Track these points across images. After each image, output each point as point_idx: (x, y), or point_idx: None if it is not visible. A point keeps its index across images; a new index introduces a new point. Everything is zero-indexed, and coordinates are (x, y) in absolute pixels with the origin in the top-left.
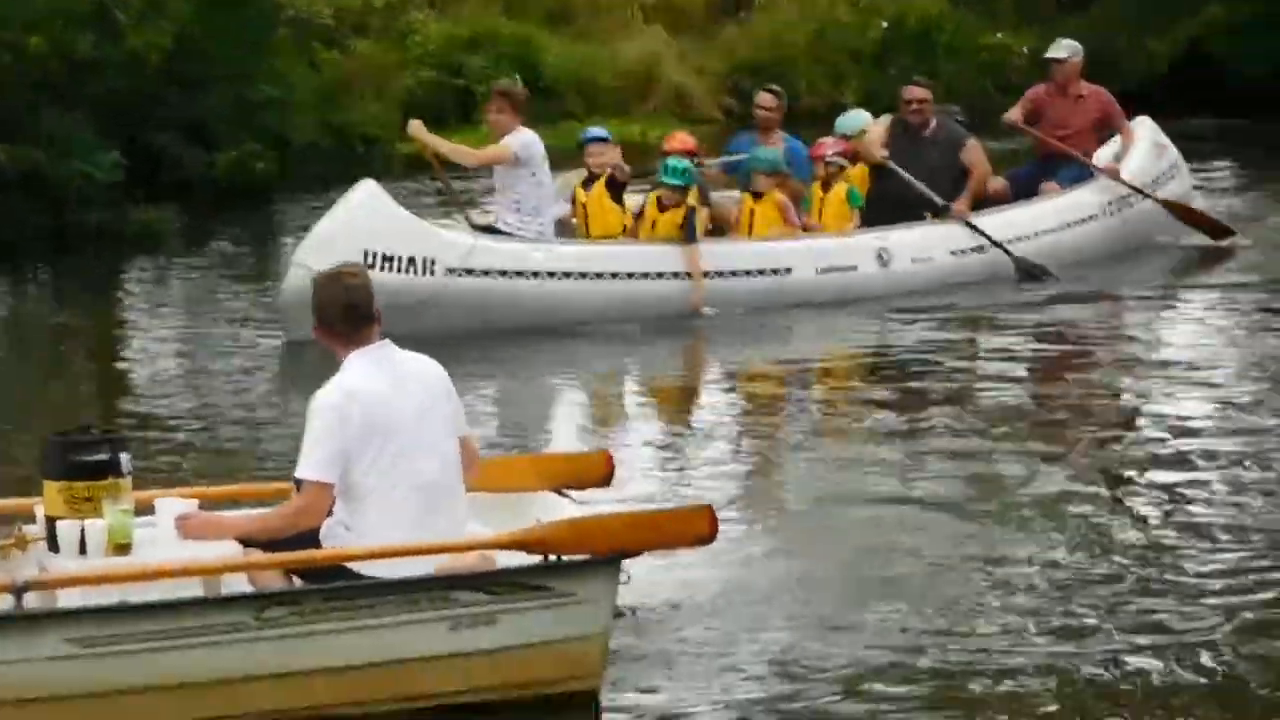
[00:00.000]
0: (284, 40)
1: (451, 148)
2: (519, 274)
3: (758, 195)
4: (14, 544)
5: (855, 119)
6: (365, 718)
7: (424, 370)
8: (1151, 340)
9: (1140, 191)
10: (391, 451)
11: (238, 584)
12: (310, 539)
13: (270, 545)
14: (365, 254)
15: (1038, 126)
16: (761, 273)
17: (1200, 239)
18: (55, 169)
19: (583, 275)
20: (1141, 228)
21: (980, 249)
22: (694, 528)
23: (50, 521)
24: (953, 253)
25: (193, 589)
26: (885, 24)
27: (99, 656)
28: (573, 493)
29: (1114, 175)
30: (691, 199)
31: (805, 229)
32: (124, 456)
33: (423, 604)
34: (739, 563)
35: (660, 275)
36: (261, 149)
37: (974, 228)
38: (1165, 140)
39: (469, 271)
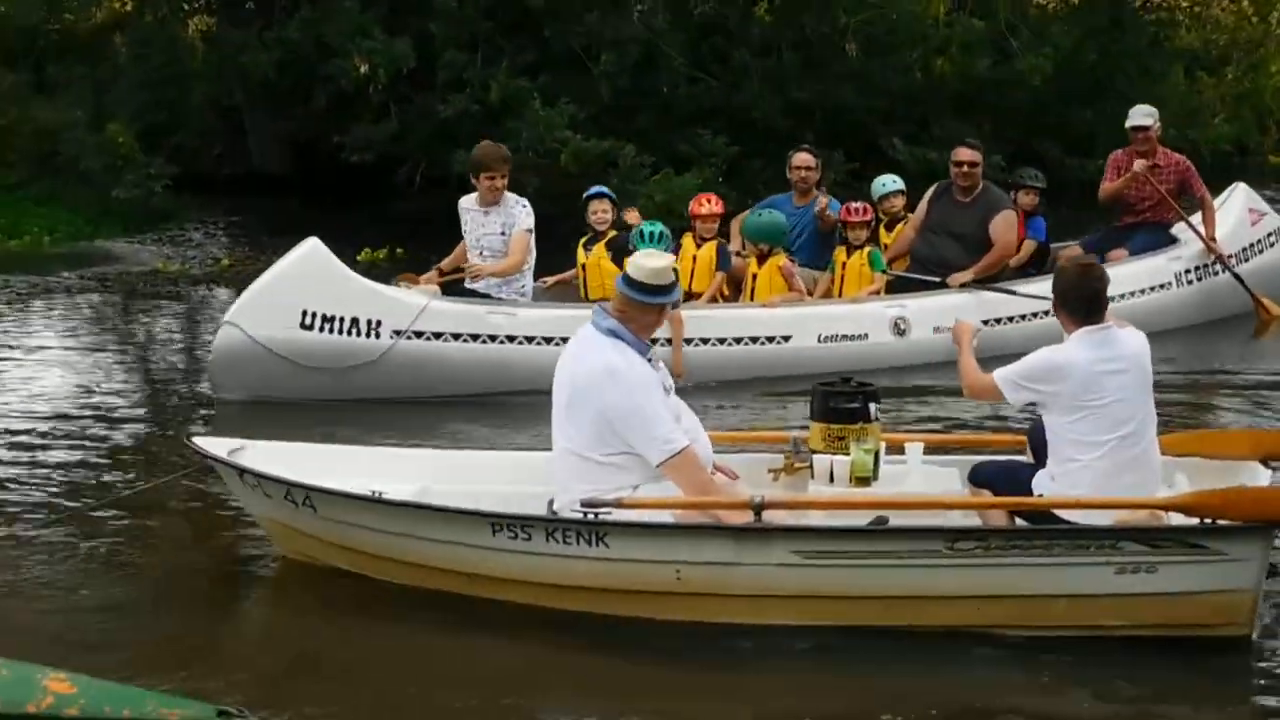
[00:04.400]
0: (1167, 62)
1: (499, 268)
2: (474, 338)
3: (761, 259)
4: (785, 469)
5: (885, 182)
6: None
7: (1135, 345)
8: None
9: (1222, 260)
10: (1097, 415)
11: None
12: (1025, 486)
13: (996, 489)
14: (304, 314)
15: (1124, 199)
16: (755, 340)
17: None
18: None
19: (546, 340)
20: (1221, 300)
21: (1021, 318)
22: None
23: (810, 454)
24: (985, 322)
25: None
26: None
27: (816, 566)
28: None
29: (1207, 238)
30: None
31: (827, 295)
32: (873, 406)
33: (1091, 549)
34: None
35: None
36: None
37: (985, 286)
38: (1265, 207)
39: (419, 334)
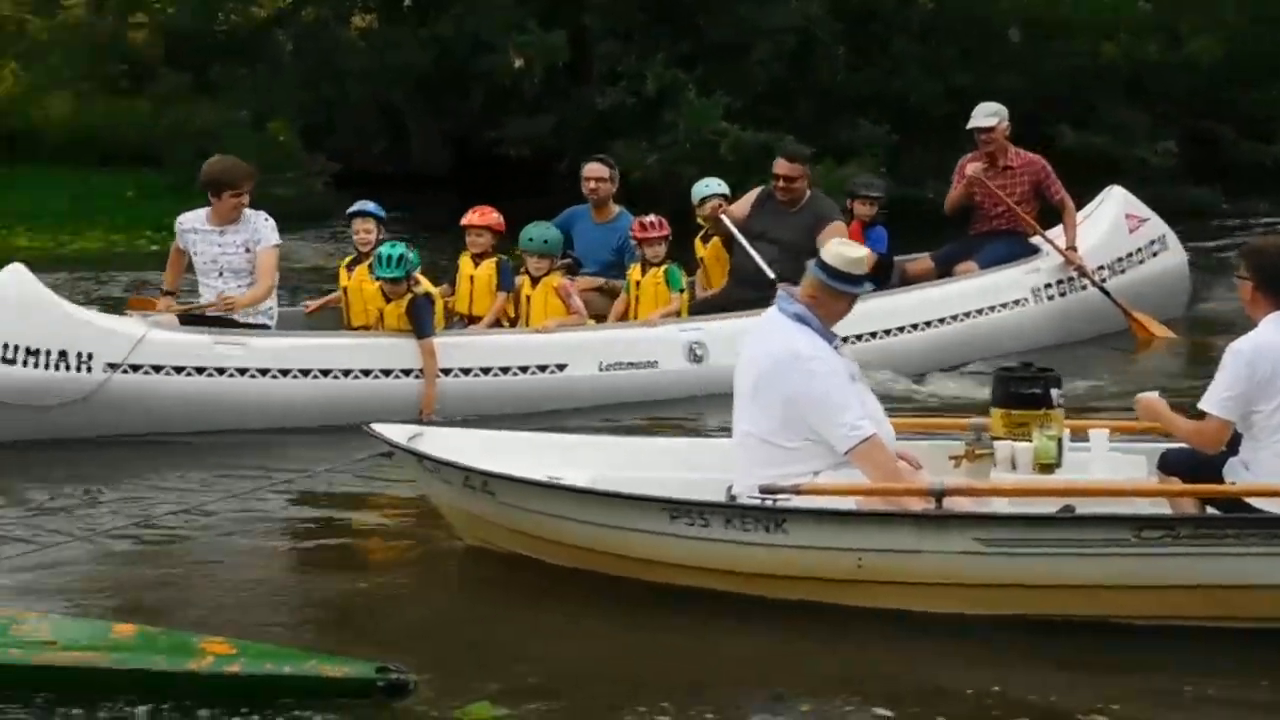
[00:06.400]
0: None
1: (256, 295)
2: (199, 371)
3: (535, 280)
4: (966, 456)
5: (710, 184)
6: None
7: None
8: None
9: (1084, 273)
10: None
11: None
12: (1217, 472)
13: (1186, 476)
14: (5, 348)
15: (976, 207)
16: (523, 370)
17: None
18: (1117, 152)
19: (283, 373)
20: (1089, 317)
21: (877, 335)
22: None
23: (992, 440)
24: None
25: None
26: None
27: (998, 555)
28: None
29: (1067, 248)
30: (430, 286)
31: (623, 319)
32: (1054, 391)
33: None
34: None
35: (387, 373)
36: None
37: None
38: (1146, 212)
39: (136, 368)
